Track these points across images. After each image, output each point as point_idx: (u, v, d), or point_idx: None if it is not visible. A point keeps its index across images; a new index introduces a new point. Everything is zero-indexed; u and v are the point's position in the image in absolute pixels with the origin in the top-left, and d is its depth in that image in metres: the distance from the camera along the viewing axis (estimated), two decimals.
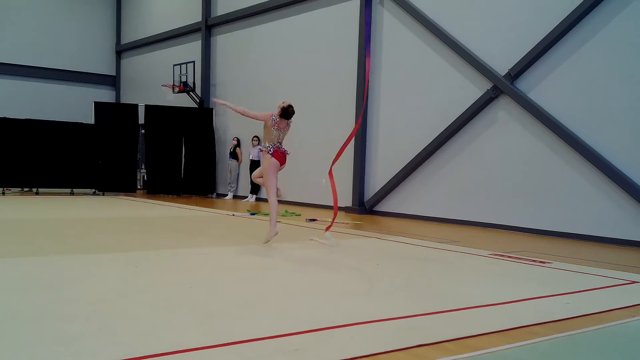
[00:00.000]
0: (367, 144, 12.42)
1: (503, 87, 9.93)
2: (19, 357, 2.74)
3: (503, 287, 4.91)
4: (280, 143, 6.80)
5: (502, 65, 10.06)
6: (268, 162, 6.74)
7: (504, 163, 10.05)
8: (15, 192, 15.34)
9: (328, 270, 5.50)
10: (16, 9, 19.75)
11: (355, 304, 4.05)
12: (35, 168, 14.96)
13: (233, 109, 6.90)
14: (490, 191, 10.25)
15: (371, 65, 12.29)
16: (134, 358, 2.74)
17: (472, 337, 3.35)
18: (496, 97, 10.12)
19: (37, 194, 15.08)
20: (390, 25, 11.98)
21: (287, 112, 6.75)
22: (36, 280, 4.50)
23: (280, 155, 6.77)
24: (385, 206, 12.14)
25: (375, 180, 12.32)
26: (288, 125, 6.89)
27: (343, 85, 12.98)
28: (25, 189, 15.62)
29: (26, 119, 15.25)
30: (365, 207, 12.38)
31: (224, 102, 7.34)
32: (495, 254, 6.86)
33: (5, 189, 14.97)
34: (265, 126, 6.83)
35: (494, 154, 10.22)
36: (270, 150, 6.72)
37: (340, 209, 12.93)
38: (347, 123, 12.79)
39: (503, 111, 10.14)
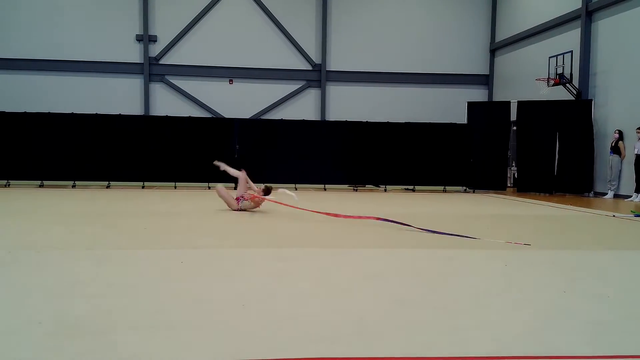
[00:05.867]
0: None
1: None
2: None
3: None
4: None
5: None
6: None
7: None
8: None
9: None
10: (404, 26, 21.68)
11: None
12: (412, 167, 16.05)
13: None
14: None
15: None
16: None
17: None
18: None
19: (413, 190, 16.27)
20: None
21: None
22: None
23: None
24: None
25: None
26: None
27: None
28: (404, 187, 16.97)
29: (406, 122, 16.57)
30: None
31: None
32: None
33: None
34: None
35: None
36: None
37: None
38: None
39: None
